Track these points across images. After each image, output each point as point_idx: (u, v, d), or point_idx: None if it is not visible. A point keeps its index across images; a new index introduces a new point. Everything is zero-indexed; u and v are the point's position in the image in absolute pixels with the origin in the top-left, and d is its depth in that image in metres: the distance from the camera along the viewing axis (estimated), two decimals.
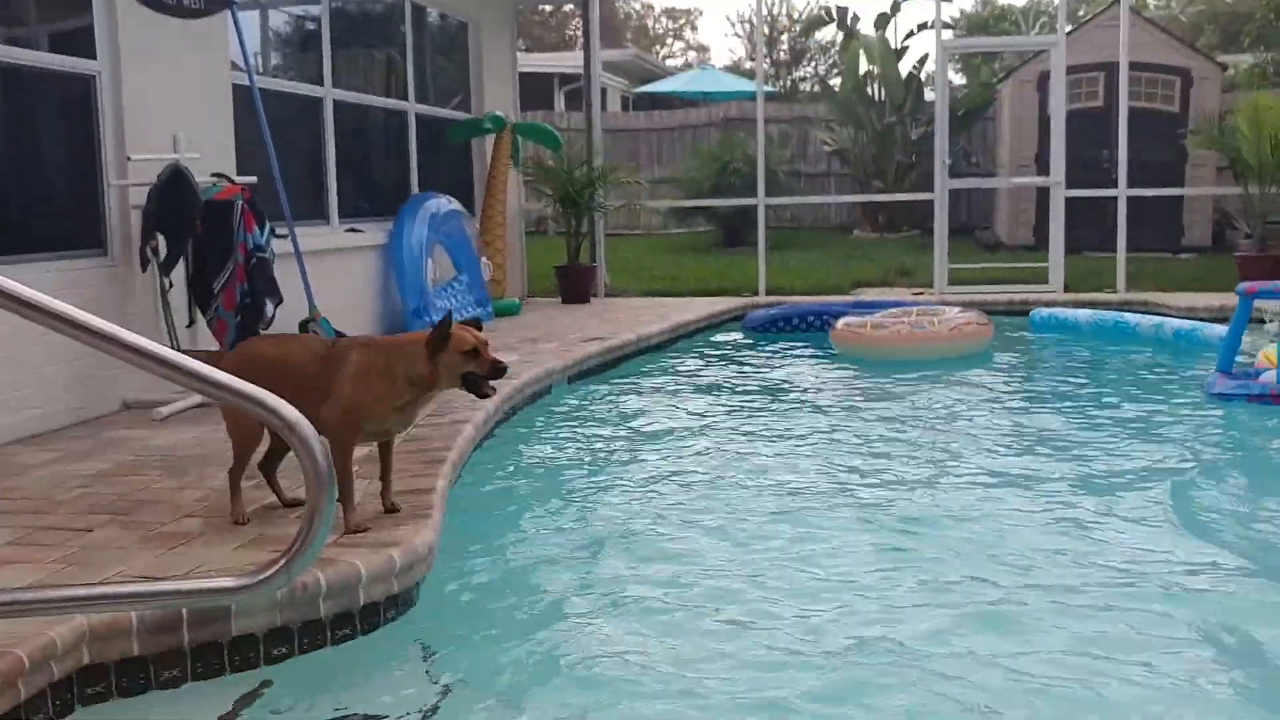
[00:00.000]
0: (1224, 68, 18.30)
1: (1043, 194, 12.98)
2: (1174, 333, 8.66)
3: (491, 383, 3.83)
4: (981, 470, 5.31)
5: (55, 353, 5.33)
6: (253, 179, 6.52)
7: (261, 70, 7.79)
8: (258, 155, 7.08)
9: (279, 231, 6.78)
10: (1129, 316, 9.16)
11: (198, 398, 5.36)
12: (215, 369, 2.19)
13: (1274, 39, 21.10)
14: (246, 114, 7.06)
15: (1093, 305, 10.06)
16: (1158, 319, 8.97)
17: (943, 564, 4.02)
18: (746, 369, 8.41)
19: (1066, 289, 11.16)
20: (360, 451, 4.02)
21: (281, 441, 3.96)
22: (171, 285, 5.94)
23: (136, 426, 5.53)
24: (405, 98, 9.89)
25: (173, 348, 5.78)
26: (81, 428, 5.55)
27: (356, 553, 3.45)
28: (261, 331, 6.08)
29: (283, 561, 2.08)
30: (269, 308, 6.14)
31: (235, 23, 6.95)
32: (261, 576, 2.10)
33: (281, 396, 2.40)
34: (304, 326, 7.20)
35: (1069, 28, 14.46)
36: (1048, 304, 10.19)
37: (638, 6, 43.76)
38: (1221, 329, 8.39)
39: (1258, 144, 10.72)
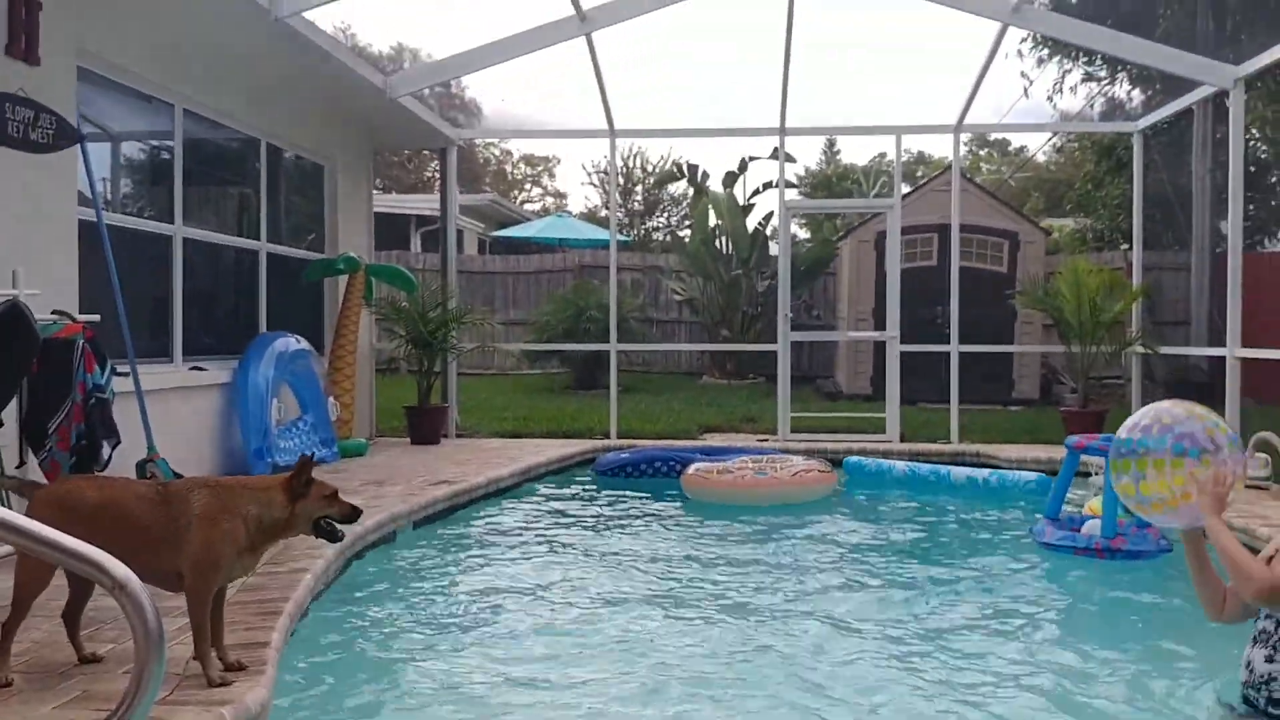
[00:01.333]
0: (1048, 232, 19.58)
1: (880, 347, 13.54)
2: (987, 476, 9.23)
3: (341, 526, 3.83)
4: (819, 614, 5.42)
5: None
6: (95, 317, 6.39)
7: (110, 205, 7.69)
8: (103, 292, 6.96)
9: (120, 369, 6.64)
10: (943, 466, 9.61)
11: None
12: (25, 518, 2.14)
13: (1091, 206, 22.69)
14: (92, 249, 6.95)
15: (924, 456, 10.48)
16: (969, 469, 9.52)
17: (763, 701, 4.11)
18: (595, 514, 8.44)
19: (902, 438, 11.59)
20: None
21: (83, 589, 3.78)
22: (1, 424, 5.73)
23: None
24: (257, 236, 9.86)
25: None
26: None
27: (185, 713, 3.33)
28: (97, 473, 5.90)
29: None
30: (105, 449, 5.97)
31: (84, 157, 6.89)
32: None
33: (102, 547, 2.36)
34: (141, 467, 7.00)
35: (905, 190, 15.34)
36: (883, 453, 10.57)
37: (497, 152, 44.60)
38: (1027, 475, 9.08)
39: (1078, 306, 11.42)
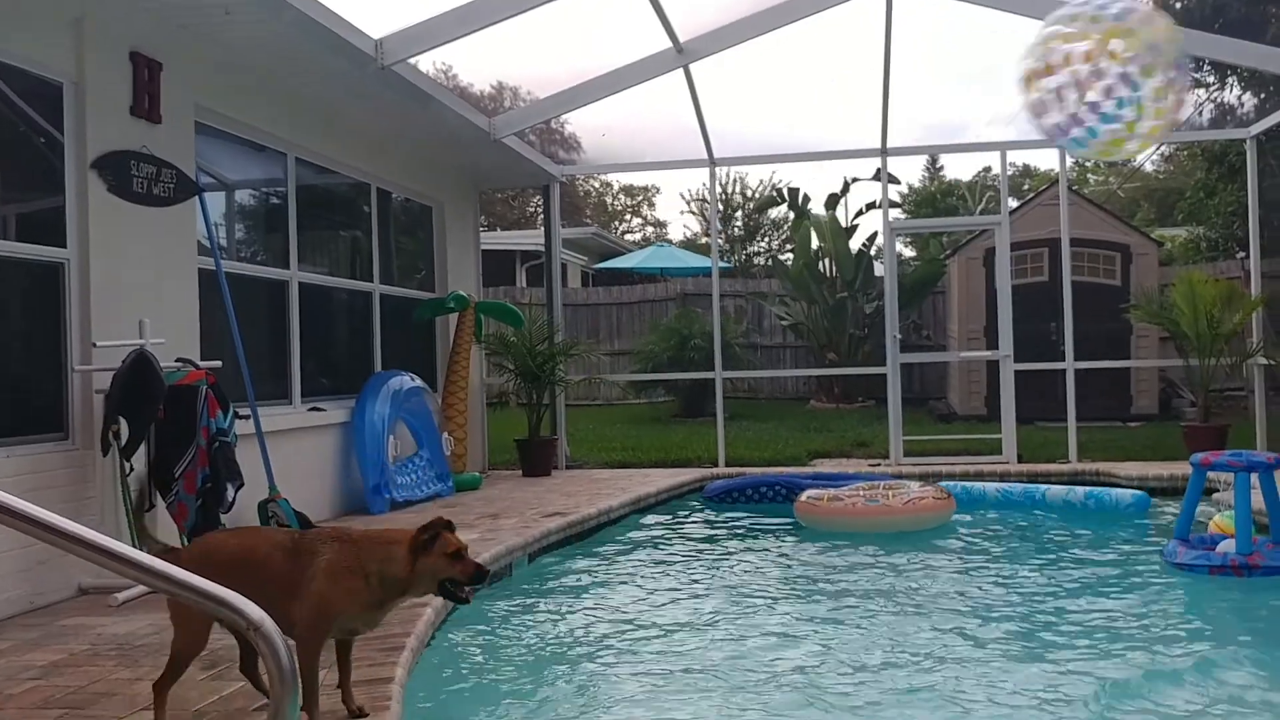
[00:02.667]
0: (1160, 243, 19.05)
1: (993, 366, 13.30)
2: (1085, 495, 9.01)
3: (468, 588, 3.72)
4: (949, 643, 5.31)
5: (6, 537, 5.28)
6: (217, 363, 6.61)
7: (227, 252, 7.96)
8: (223, 338, 7.20)
9: (241, 412, 6.85)
10: (1036, 486, 9.43)
11: None
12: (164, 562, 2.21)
13: (1204, 215, 22.02)
14: (212, 297, 7.19)
15: (1043, 476, 10.25)
16: (1066, 486, 9.36)
17: None
18: (706, 541, 8.43)
19: (1020, 459, 11.34)
20: None
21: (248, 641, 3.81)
22: (132, 470, 5.95)
23: (92, 613, 5.46)
24: (370, 278, 10.10)
25: (130, 532, 5.78)
26: (35, 615, 5.48)
27: None
28: (222, 514, 6.08)
29: None
30: (230, 491, 6.15)
31: (203, 208, 7.16)
32: None
33: (243, 594, 2.44)
34: (263, 507, 7.19)
35: (1013, 205, 15.08)
36: (1000, 475, 10.36)
37: (597, 184, 45.03)
38: (1124, 491, 8.78)
39: (1194, 319, 11.09)
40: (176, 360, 6.30)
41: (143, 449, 6.03)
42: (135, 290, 6.44)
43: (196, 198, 7.05)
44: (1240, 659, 5.16)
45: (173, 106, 6.82)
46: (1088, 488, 9.21)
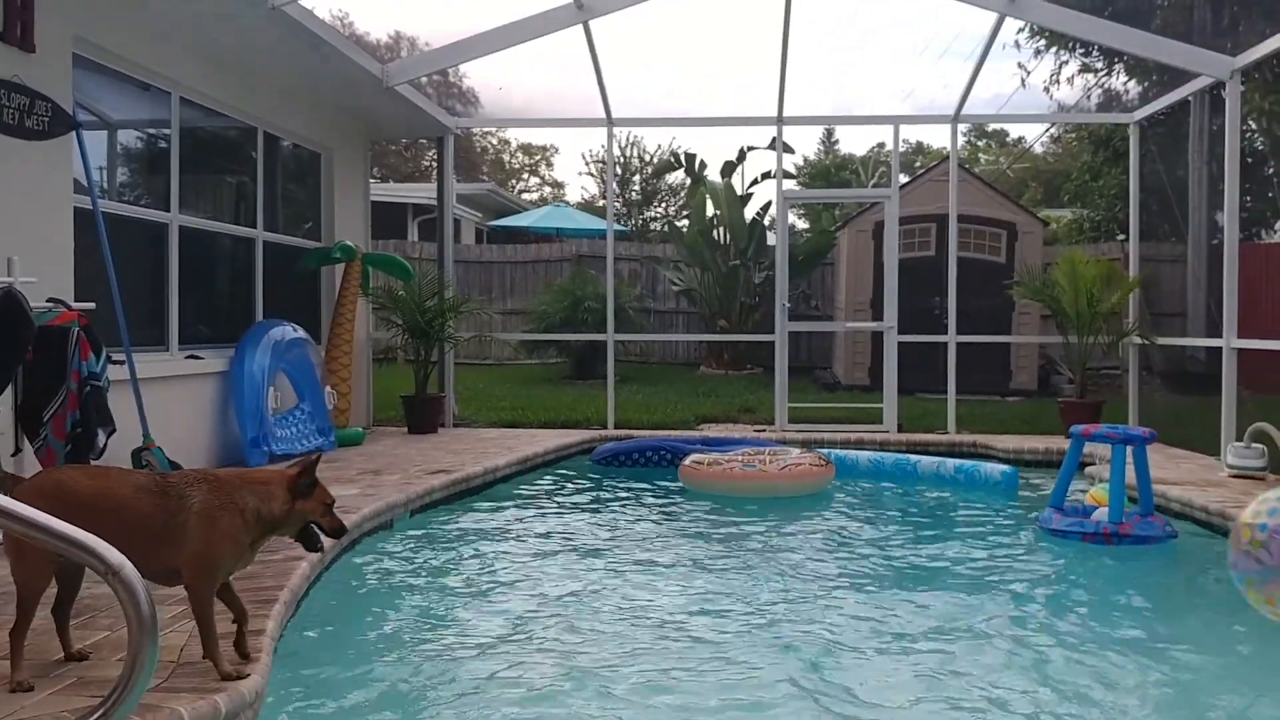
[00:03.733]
0: (1045, 223, 19.57)
1: (878, 337, 13.54)
2: (955, 469, 9.23)
3: (324, 540, 3.83)
4: (831, 609, 5.42)
5: None
6: (90, 305, 6.38)
7: (106, 193, 7.67)
8: (98, 280, 6.95)
9: (115, 357, 6.64)
10: (908, 457, 9.67)
11: None
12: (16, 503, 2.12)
13: (1088, 197, 22.68)
14: (88, 237, 6.93)
15: (921, 446, 10.52)
16: (937, 459, 9.54)
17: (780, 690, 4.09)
18: (591, 503, 8.45)
19: (900, 429, 11.59)
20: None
21: (72, 583, 3.65)
22: None
23: None
24: (254, 225, 9.84)
25: None
26: None
27: (179, 699, 3.32)
28: (93, 461, 5.89)
29: (100, 711, 2.03)
30: (101, 437, 5.96)
31: (80, 145, 6.88)
32: None
33: (101, 537, 2.45)
34: (137, 455, 7.00)
35: (903, 180, 15.32)
36: (880, 444, 10.58)
37: (495, 141, 44.53)
38: (995, 467, 9.06)
39: (1075, 296, 11.41)
40: (48, 300, 6.06)
41: (9, 391, 5.80)
42: (4, 226, 6.17)
43: (73, 133, 6.77)
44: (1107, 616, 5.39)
45: (49, 36, 6.51)
46: (958, 461, 9.42)
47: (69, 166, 6.84)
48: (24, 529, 2.04)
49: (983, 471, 9.06)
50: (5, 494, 3.11)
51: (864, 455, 9.74)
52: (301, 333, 9.78)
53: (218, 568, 3.58)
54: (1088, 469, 8.70)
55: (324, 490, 3.72)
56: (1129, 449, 6.98)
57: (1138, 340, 11.65)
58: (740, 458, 8.71)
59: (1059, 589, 6.05)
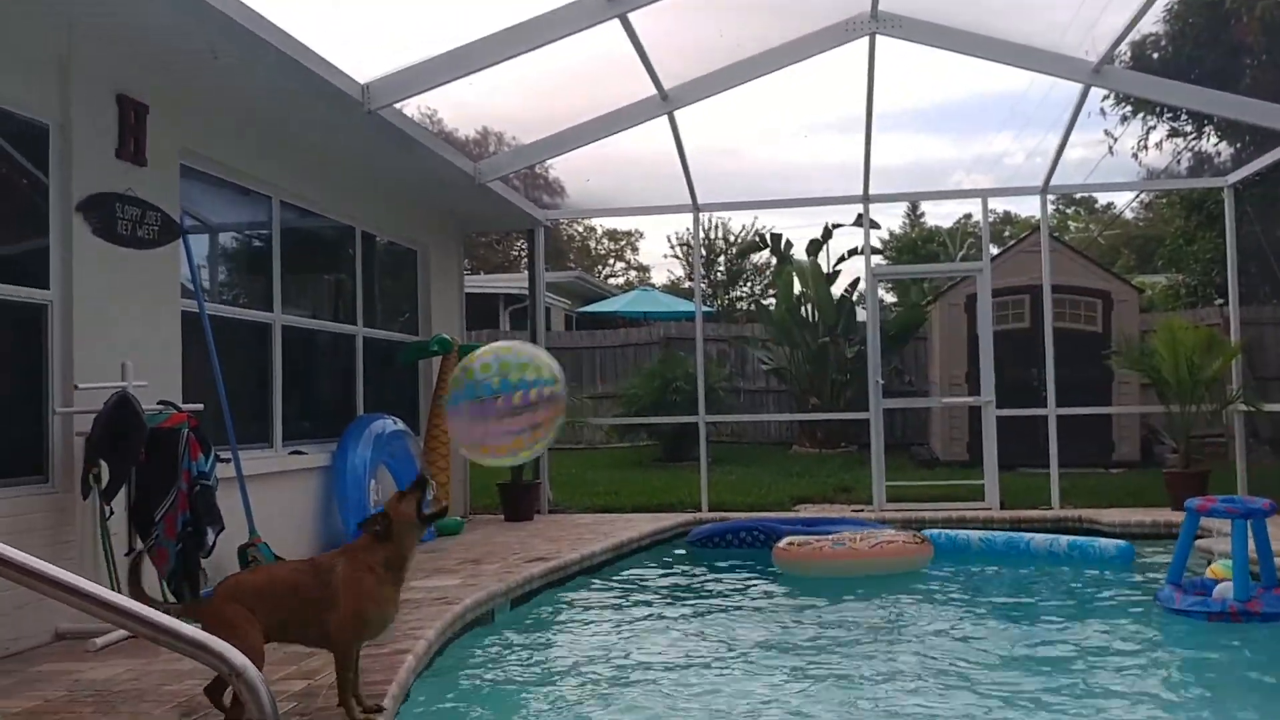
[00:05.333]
0: (1140, 289, 19.21)
1: (975, 412, 13.33)
2: (1069, 545, 8.93)
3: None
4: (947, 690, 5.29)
5: None
6: (199, 406, 6.59)
7: (210, 295, 7.95)
8: (205, 380, 7.17)
9: (222, 456, 6.82)
10: (1022, 535, 9.35)
11: None
12: (152, 607, 2.20)
13: (1183, 262, 22.23)
14: (195, 340, 7.17)
15: (1026, 523, 10.27)
16: (1050, 536, 9.21)
17: None
18: (688, 588, 8.40)
19: (1002, 505, 11.35)
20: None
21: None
22: (112, 513, 5.91)
23: (70, 658, 5.39)
24: (353, 321, 10.10)
25: (110, 576, 5.73)
26: (11, 660, 5.40)
27: None
28: (202, 559, 6.04)
29: None
30: (210, 535, 6.11)
31: (187, 250, 7.16)
32: None
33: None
34: (243, 551, 7.14)
35: (994, 252, 15.20)
36: (983, 521, 10.37)
37: (580, 228, 45.20)
38: (1109, 542, 8.74)
39: (1176, 364, 11.15)
40: (158, 403, 6.27)
41: (123, 492, 5.99)
42: (118, 332, 6.42)
43: (180, 240, 7.05)
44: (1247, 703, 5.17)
45: (158, 149, 6.83)
46: (1071, 537, 9.15)
47: (176, 272, 7.11)
48: (155, 634, 2.11)
49: (1097, 547, 8.79)
50: (196, 609, 4.09)
51: (975, 535, 9.50)
52: (401, 425, 9.95)
53: (366, 624, 4.24)
54: (1198, 543, 8.41)
55: (390, 501, 4.44)
56: (1248, 522, 6.74)
57: (1243, 407, 11.33)
58: (832, 538, 8.60)
59: (1197, 674, 5.79)
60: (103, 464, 5.87)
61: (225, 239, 8.80)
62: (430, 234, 11.60)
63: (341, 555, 4.34)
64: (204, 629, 3.54)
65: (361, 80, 7.88)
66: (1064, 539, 9.07)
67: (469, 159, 10.58)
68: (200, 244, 8.09)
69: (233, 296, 8.70)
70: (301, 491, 8.73)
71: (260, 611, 4.05)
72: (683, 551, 9.88)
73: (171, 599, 5.93)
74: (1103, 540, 8.93)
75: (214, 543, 6.20)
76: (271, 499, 7.93)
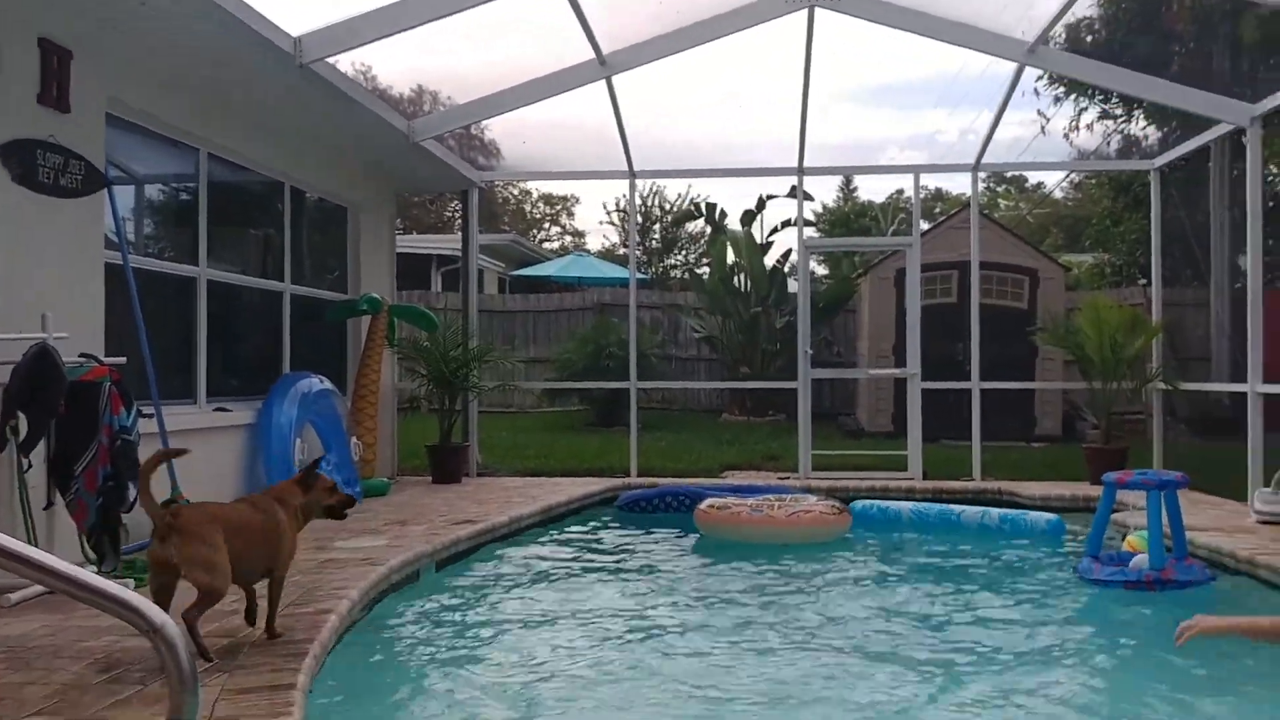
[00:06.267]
0: (1067, 268, 19.57)
1: (901, 384, 13.53)
2: (1000, 518, 9.08)
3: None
4: (844, 651, 5.40)
5: None
6: (121, 359, 6.46)
7: (135, 247, 7.79)
8: (128, 334, 7.04)
9: (145, 411, 6.71)
10: (953, 507, 9.52)
11: None
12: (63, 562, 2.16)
13: (1109, 242, 22.68)
14: (118, 292, 7.03)
15: (947, 493, 10.47)
16: (981, 509, 9.37)
17: None
18: (613, 550, 8.46)
19: (925, 476, 11.55)
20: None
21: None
22: (30, 466, 5.79)
23: None
24: (281, 277, 9.96)
25: (27, 529, 5.63)
26: None
27: None
28: (123, 514, 5.95)
29: None
30: (131, 490, 6.00)
31: (111, 202, 7.01)
32: None
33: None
34: (166, 507, 7.03)
35: (925, 227, 15.38)
36: (905, 491, 10.56)
37: (516, 192, 44.88)
38: (1040, 515, 8.93)
39: (1098, 343, 11.38)
40: (80, 356, 6.14)
41: (42, 446, 5.87)
42: (38, 283, 6.28)
43: (105, 190, 6.90)
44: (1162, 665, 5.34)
45: (82, 97, 6.66)
46: (1002, 510, 9.29)
47: (100, 223, 6.96)
48: (73, 589, 2.08)
49: (1028, 520, 8.96)
50: (170, 519, 4.38)
51: (907, 506, 9.65)
52: (328, 384, 9.86)
53: (291, 558, 4.92)
54: (1113, 516, 8.64)
55: (323, 478, 5.07)
56: (1162, 494, 6.95)
57: (1162, 386, 11.62)
58: (750, 503, 8.72)
59: (1114, 638, 5.97)
60: (21, 416, 5.74)
61: (151, 191, 8.61)
62: (362, 192, 11.46)
63: (272, 498, 4.89)
64: (182, 545, 4.32)
65: (294, 33, 7.73)
66: (995, 512, 9.21)
67: (403, 117, 10.45)
68: (125, 195, 7.92)
69: (158, 250, 8.53)
70: (226, 449, 8.62)
71: (233, 542, 4.50)
72: (611, 517, 9.93)
73: (91, 554, 5.85)
74: (1034, 514, 9.09)
75: (135, 498, 6.10)
76: (194, 455, 7.76)
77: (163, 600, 4.33)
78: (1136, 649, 5.79)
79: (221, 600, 4.44)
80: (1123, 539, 7.77)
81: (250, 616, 4.82)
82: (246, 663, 4.36)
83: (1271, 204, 16.51)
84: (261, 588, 4.81)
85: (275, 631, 4.77)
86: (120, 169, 7.62)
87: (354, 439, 10.12)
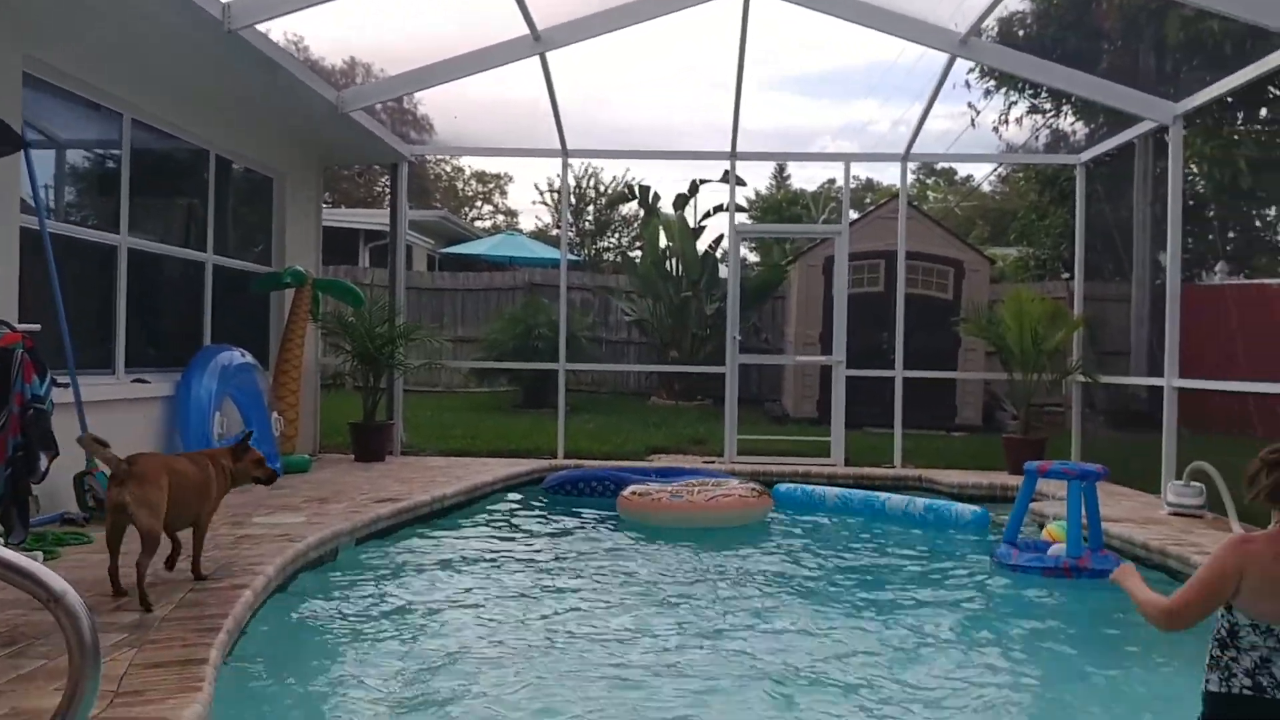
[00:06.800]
0: (992, 260, 19.86)
1: (827, 371, 13.65)
2: (925, 508, 9.14)
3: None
4: (752, 638, 5.44)
5: None
6: (36, 326, 6.31)
7: (54, 213, 7.59)
8: (44, 301, 6.86)
9: (60, 380, 6.55)
10: (878, 494, 9.62)
11: None
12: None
13: (1035, 236, 23.04)
14: (34, 258, 6.85)
15: (868, 479, 10.61)
16: (907, 497, 9.46)
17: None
18: (535, 533, 8.44)
19: (847, 462, 11.68)
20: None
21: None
22: None
23: None
24: (204, 248, 9.77)
25: None
26: None
27: None
28: (34, 485, 5.82)
29: None
30: (43, 461, 5.89)
31: (28, 164, 6.82)
32: None
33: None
34: (80, 479, 6.90)
35: (853, 217, 15.50)
36: (827, 477, 10.66)
37: (448, 169, 44.48)
38: (965, 507, 9.05)
39: (1021, 334, 11.57)
40: None
41: None
42: None
43: (22, 152, 6.70)
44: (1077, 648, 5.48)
45: None
46: (928, 499, 9.36)
47: (16, 186, 6.78)
48: None
49: (953, 511, 9.05)
50: (126, 464, 4.83)
51: (832, 491, 9.73)
52: (250, 358, 9.70)
53: (215, 510, 5.44)
54: (1032, 505, 8.79)
55: (253, 451, 5.57)
56: (1083, 485, 7.09)
57: (1081, 378, 11.84)
58: (670, 489, 8.75)
59: (1028, 622, 6.06)
60: None
61: (72, 155, 8.39)
62: (289, 163, 11.27)
63: (207, 457, 5.42)
64: (134, 488, 4.76)
65: None
66: (920, 501, 9.27)
67: (333, 88, 10.29)
68: (45, 159, 7.71)
69: (79, 216, 8.33)
70: (143, 421, 8.45)
71: (173, 490, 4.94)
72: (536, 498, 9.90)
73: None
74: (959, 505, 9.18)
75: (47, 469, 5.98)
76: (111, 427, 7.60)
77: (114, 542, 4.86)
78: (1048, 630, 5.92)
79: (159, 544, 4.88)
80: (1041, 528, 7.92)
81: (170, 563, 5.38)
82: (157, 637, 4.28)
83: (1191, 201, 16.91)
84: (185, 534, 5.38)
85: (201, 573, 5.27)
86: (41, 132, 7.41)
87: (275, 414, 9.98)
